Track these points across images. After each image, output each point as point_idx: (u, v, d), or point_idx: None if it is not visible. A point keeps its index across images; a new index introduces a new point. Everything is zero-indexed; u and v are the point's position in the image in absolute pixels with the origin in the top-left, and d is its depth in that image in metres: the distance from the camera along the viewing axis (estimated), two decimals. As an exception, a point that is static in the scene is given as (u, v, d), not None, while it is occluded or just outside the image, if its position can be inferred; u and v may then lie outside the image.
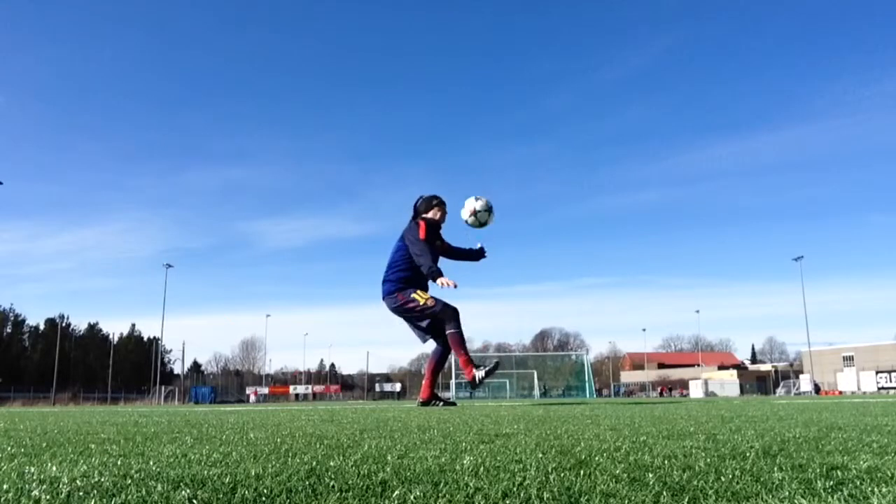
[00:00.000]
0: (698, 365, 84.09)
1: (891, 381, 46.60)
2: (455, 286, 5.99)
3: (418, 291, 6.22)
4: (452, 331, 6.08)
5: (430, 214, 6.51)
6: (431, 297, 6.18)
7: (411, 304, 6.13)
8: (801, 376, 56.87)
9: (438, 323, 6.19)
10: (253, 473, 1.27)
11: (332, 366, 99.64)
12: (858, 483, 1.10)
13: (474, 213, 6.56)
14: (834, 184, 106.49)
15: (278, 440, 2.15)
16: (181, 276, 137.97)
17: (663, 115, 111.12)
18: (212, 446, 1.95)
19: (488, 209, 6.63)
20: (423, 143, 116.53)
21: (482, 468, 1.31)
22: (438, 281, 6.02)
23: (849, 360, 59.33)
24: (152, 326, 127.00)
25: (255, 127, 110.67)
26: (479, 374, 6.04)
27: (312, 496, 1.05)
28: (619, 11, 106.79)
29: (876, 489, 1.03)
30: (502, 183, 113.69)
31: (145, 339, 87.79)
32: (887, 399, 10.08)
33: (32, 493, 1.07)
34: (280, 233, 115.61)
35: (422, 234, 6.23)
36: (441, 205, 6.58)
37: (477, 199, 6.67)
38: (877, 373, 48.18)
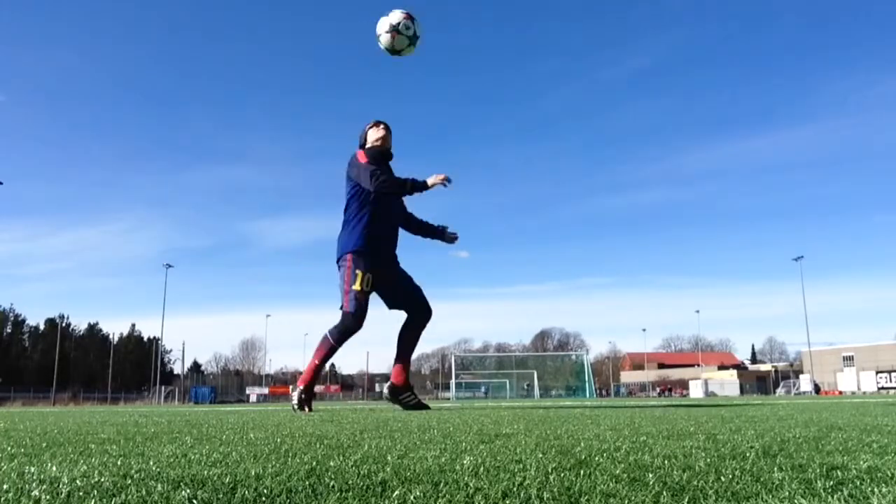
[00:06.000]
0: (698, 365, 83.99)
1: (891, 381, 46.59)
2: (448, 180, 4.92)
3: (360, 270, 4.93)
4: (327, 336, 4.96)
5: (370, 141, 5.21)
6: (368, 279, 4.93)
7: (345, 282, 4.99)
8: (801, 376, 56.87)
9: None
10: (253, 473, 1.27)
11: (332, 366, 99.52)
12: (858, 483, 1.10)
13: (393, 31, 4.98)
14: (834, 184, 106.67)
15: (278, 440, 2.14)
16: (181, 276, 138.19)
17: (663, 114, 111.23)
18: (212, 446, 1.95)
19: (409, 35, 5.01)
20: (423, 143, 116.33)
21: (482, 468, 1.31)
22: (429, 182, 4.89)
23: (849, 360, 59.27)
24: (152, 326, 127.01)
25: (255, 126, 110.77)
26: (296, 393, 5.03)
27: (312, 496, 1.05)
28: (619, 11, 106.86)
29: (876, 489, 1.03)
30: (503, 183, 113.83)
31: (145, 339, 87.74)
32: (887, 399, 10.08)
33: (32, 493, 1.07)
34: (280, 233, 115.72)
35: (362, 158, 4.99)
36: (383, 125, 5.24)
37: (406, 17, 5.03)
38: (877, 373, 48.17)
